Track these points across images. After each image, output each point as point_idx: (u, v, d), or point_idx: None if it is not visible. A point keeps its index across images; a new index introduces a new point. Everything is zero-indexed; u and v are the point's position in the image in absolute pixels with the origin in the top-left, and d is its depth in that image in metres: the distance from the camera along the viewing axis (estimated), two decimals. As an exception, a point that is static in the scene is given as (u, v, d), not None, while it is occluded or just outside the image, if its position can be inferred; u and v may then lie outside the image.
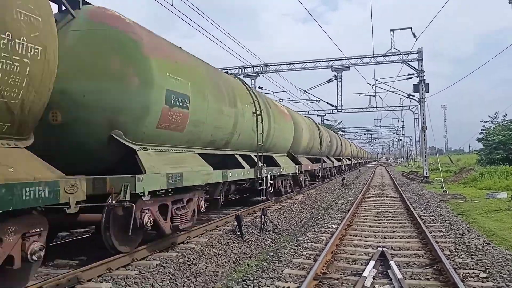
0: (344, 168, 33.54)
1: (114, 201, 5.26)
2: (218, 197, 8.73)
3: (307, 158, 18.21)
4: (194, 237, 7.48)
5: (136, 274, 5.20)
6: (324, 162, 22.55)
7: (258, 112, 10.41)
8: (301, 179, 16.34)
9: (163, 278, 5.23)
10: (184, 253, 6.25)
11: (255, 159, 10.71)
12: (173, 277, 5.33)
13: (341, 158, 30.73)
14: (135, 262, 5.74)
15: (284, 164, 13.46)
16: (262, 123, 10.59)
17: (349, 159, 37.57)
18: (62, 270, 5.36)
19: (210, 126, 7.88)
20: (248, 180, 10.49)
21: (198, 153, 7.69)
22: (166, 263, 5.74)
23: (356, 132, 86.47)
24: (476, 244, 7.13)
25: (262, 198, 11.54)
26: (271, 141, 12.11)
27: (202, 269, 5.86)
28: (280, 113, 13.54)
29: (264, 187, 10.89)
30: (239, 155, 9.94)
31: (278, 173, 12.58)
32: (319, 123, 29.30)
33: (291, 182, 15.18)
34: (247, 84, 11.23)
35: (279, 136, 12.97)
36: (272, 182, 11.80)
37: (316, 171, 20.24)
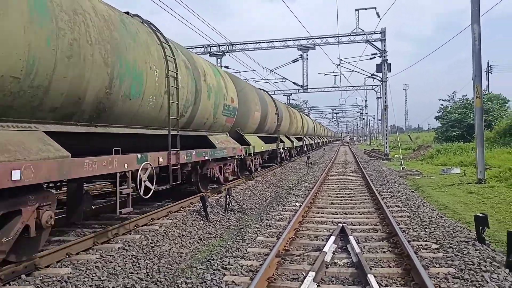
0: (307, 148, 32.56)
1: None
2: None
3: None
4: (158, 219, 7.44)
5: (97, 258, 5.13)
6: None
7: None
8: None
9: (126, 261, 5.19)
10: (148, 235, 6.22)
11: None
12: (135, 259, 5.29)
13: (302, 137, 28.55)
14: (96, 246, 5.65)
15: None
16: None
17: (312, 139, 37.60)
18: (18, 257, 5.20)
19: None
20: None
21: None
22: (128, 246, 5.69)
23: (322, 112, 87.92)
24: (430, 217, 7.53)
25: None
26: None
27: (166, 251, 5.86)
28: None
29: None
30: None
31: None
32: (285, 103, 29.47)
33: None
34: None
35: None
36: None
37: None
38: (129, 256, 5.36)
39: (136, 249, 5.63)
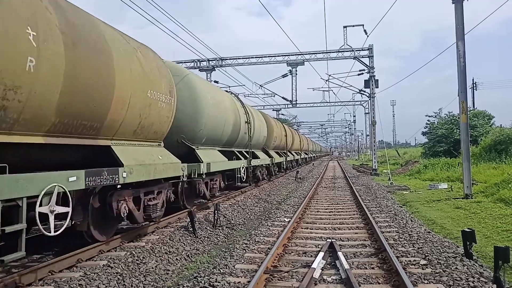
0: (301, 161, 33.39)
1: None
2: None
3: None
4: (145, 235, 7.31)
5: (80, 275, 5.00)
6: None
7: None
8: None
9: (110, 278, 5.06)
10: (134, 252, 6.09)
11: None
12: (121, 277, 5.17)
13: (300, 152, 30.79)
14: (80, 263, 5.51)
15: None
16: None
17: (305, 153, 37.76)
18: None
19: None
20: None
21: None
22: (113, 263, 5.56)
23: (311, 127, 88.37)
24: (418, 233, 7.55)
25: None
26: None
27: (152, 268, 5.75)
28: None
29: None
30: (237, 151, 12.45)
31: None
32: (274, 117, 29.58)
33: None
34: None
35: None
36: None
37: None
38: (114, 273, 5.24)
39: (122, 266, 5.50)
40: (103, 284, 4.87)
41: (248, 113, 14.81)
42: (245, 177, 13.88)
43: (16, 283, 4.52)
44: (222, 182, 12.11)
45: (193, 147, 9.69)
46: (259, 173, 17.32)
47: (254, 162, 15.67)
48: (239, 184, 13.76)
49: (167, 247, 6.75)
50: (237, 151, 14.08)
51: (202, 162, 9.53)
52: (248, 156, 14.90)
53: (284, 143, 24.97)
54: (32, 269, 4.86)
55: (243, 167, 13.65)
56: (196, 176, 9.19)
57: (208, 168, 9.88)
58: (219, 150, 11.80)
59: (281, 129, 24.29)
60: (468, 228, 5.97)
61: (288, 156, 26.67)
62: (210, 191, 10.96)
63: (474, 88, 47.86)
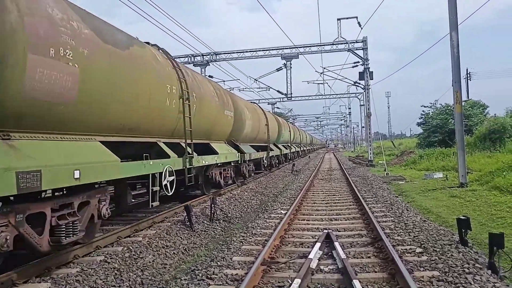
0: (293, 156, 33.43)
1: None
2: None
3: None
4: (142, 230, 7.31)
5: (77, 271, 4.99)
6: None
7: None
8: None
9: (107, 274, 5.06)
10: (131, 247, 6.09)
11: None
12: (118, 272, 5.17)
13: (289, 145, 30.39)
14: (76, 259, 5.49)
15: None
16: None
17: (298, 146, 37.92)
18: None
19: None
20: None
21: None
22: (110, 258, 5.56)
23: (306, 120, 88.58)
24: (414, 222, 7.60)
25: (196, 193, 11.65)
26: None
27: (150, 262, 5.75)
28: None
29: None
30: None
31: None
32: (269, 111, 29.58)
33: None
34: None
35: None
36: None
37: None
38: (111, 269, 5.23)
39: (119, 262, 5.50)
40: (101, 280, 4.87)
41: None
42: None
43: (12, 281, 4.51)
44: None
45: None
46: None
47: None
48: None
49: (164, 241, 6.75)
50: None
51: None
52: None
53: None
54: (29, 266, 4.84)
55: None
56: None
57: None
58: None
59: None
60: (463, 216, 6.01)
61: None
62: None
63: (468, 78, 48.01)
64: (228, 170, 13.04)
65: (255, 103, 21.80)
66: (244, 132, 14.94)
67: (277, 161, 24.51)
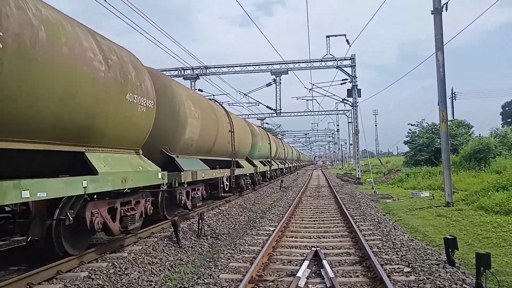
0: (273, 174, 30.86)
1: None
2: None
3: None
4: (127, 246, 7.16)
5: (60, 287, 4.85)
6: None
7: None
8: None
9: (91, 290, 4.92)
10: (116, 263, 5.95)
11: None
12: (102, 289, 5.04)
13: (270, 161, 27.73)
14: (60, 274, 5.34)
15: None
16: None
17: (282, 163, 37.05)
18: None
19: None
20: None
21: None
22: (95, 274, 5.41)
23: (295, 136, 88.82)
24: (401, 240, 7.62)
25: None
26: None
27: (135, 279, 5.62)
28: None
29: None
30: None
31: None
32: (258, 126, 29.60)
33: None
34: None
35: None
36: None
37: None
38: (95, 285, 5.10)
39: (103, 278, 5.36)
40: (84, 297, 4.73)
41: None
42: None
43: (-9, 297, 4.35)
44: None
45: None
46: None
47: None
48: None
49: (150, 257, 6.62)
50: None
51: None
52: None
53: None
54: (8, 281, 4.69)
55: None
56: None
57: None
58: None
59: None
60: (450, 235, 6.05)
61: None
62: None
63: (454, 98, 49.02)
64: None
65: (246, 119, 21.31)
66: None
67: (275, 174, 22.23)
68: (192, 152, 10.53)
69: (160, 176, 7.62)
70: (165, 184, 7.89)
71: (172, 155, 9.16)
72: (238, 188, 16.52)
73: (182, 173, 8.99)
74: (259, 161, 20.90)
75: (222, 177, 13.32)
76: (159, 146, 8.83)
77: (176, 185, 8.86)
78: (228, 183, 14.04)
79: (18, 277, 4.83)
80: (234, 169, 14.70)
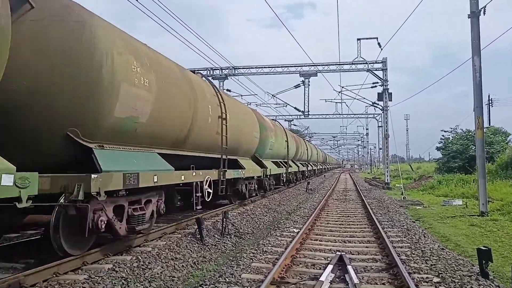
0: (309, 173, 32.85)
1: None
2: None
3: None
4: (152, 240, 7.24)
5: (85, 278, 4.95)
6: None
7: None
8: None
9: (115, 283, 4.99)
10: (140, 257, 6.02)
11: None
12: (125, 281, 5.10)
13: (307, 163, 29.75)
14: (85, 266, 5.46)
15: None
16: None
17: (315, 165, 37.21)
18: (4, 274, 5.00)
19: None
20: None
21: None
22: (119, 267, 5.49)
23: (323, 138, 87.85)
24: (431, 249, 7.32)
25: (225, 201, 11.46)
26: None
27: (158, 274, 5.66)
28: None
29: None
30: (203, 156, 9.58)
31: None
32: (286, 128, 29.48)
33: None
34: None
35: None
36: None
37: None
38: (118, 277, 5.17)
39: (127, 271, 5.43)
40: (107, 288, 4.80)
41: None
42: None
43: (20, 283, 4.48)
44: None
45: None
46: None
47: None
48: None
49: (174, 253, 6.66)
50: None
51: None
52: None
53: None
54: (37, 269, 4.82)
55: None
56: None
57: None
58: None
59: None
60: (483, 246, 5.75)
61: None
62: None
63: (490, 104, 47.11)
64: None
65: (276, 120, 21.73)
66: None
67: (294, 177, 24.80)
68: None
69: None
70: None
71: (87, 144, 5.48)
72: (236, 196, 13.13)
73: (95, 176, 5.11)
74: (272, 162, 17.77)
75: (282, 173, 12.55)
76: (60, 127, 5.26)
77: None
78: (211, 191, 9.54)
79: (46, 266, 4.95)
80: (225, 171, 10.68)
